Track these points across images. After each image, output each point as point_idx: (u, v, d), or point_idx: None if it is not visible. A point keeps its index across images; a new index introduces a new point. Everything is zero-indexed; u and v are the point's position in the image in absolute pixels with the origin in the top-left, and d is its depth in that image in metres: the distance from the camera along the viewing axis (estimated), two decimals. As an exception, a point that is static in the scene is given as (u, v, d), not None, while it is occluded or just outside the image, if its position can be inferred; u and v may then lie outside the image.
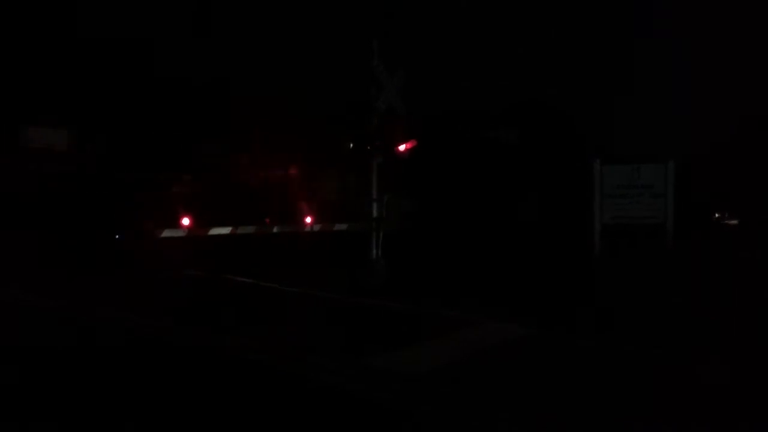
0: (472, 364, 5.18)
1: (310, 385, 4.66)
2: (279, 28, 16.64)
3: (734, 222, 26.77)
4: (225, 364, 5.22)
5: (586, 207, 12.25)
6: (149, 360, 5.35)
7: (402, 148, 10.22)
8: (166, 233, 10.40)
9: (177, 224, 10.48)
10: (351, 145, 10.72)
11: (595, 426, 3.85)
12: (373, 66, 10.08)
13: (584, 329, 6.59)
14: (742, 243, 19.17)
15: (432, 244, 15.25)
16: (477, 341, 5.98)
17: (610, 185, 11.75)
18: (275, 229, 11.95)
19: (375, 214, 10.35)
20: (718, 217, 26.18)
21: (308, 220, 12.53)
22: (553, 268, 12.08)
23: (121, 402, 4.25)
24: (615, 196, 11.77)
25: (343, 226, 12.18)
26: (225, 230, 10.97)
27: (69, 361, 5.22)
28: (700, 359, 5.34)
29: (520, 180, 21.87)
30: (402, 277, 10.19)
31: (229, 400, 4.26)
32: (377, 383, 4.64)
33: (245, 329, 6.36)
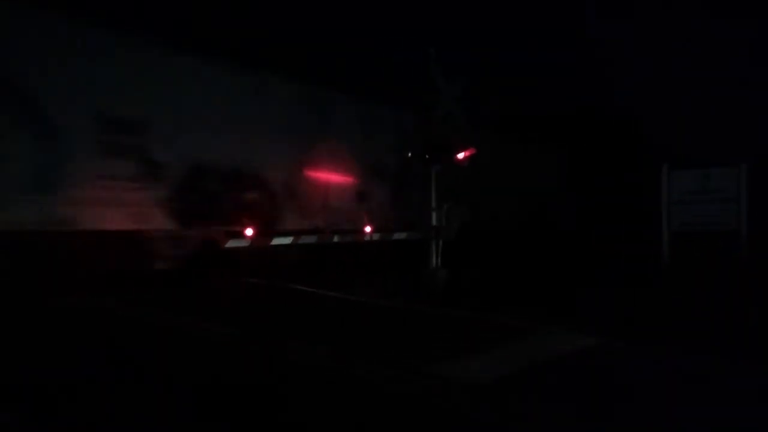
0: (537, 374, 5.08)
1: (371, 390, 4.68)
2: (339, 27, 16.75)
3: None
4: (286, 370, 5.30)
5: (655, 214, 11.84)
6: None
7: (461, 156, 10.18)
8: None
9: None
10: (409, 153, 10.74)
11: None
12: (431, 73, 10.11)
13: (651, 341, 6.35)
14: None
15: (493, 252, 15.06)
16: (542, 350, 5.85)
17: (678, 191, 11.33)
18: (335, 239, 12.09)
19: (434, 222, 10.32)
20: None
21: (367, 229, 12.63)
22: (620, 278, 11.70)
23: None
24: (684, 203, 11.34)
25: (402, 235, 12.20)
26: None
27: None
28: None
29: (581, 187, 21.34)
30: (463, 285, 10.11)
31: (299, 406, 4.32)
32: (442, 392, 4.60)
33: (309, 336, 6.44)
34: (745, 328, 7.11)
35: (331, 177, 12.40)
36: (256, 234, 10.87)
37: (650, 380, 4.92)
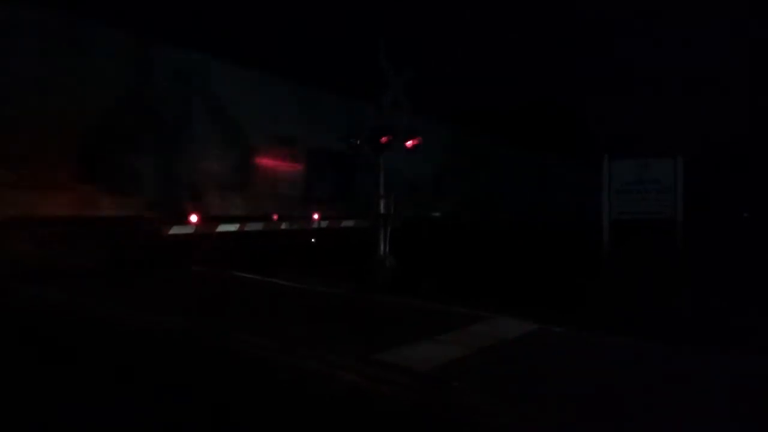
0: (481, 359, 5.19)
1: (318, 379, 4.68)
2: (286, 19, 16.60)
3: (745, 215, 26.79)
4: (233, 361, 5.25)
5: (596, 203, 12.19)
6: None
7: (409, 144, 10.22)
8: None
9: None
10: (350, 140, 10.64)
11: (600, 415, 3.86)
12: (380, 63, 10.07)
13: (588, 326, 6.55)
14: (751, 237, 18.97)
15: (439, 240, 15.23)
16: (486, 336, 5.98)
17: (619, 181, 11.69)
18: (283, 226, 11.97)
19: (382, 210, 10.32)
20: (730, 207, 26.02)
21: (315, 216, 12.56)
22: (562, 265, 12.02)
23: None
24: (624, 192, 11.71)
25: (350, 223, 12.17)
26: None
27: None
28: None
29: (528, 177, 21.81)
30: (411, 273, 10.16)
31: (240, 394, 4.28)
32: (388, 378, 4.64)
33: (255, 326, 6.37)
34: (678, 313, 7.42)
35: (279, 164, 12.24)
36: (200, 220, 10.65)
37: (581, 363, 5.10)
